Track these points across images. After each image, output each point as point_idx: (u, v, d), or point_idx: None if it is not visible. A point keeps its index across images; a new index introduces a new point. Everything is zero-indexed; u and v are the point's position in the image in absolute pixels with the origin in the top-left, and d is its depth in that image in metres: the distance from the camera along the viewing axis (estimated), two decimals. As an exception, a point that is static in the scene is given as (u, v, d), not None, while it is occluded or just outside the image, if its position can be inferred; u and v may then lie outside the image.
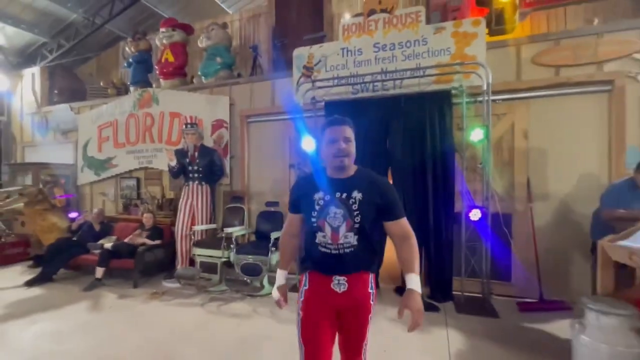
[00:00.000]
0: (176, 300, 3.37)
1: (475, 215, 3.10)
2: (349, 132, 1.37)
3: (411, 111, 3.38)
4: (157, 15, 6.29)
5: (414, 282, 1.29)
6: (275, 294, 1.53)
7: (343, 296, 1.37)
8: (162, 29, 5.12)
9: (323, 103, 3.80)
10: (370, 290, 1.41)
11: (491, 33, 3.51)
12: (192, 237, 3.94)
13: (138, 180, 5.25)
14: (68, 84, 6.27)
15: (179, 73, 5.14)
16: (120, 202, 5.32)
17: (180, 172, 4.08)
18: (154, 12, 6.31)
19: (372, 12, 3.88)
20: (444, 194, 3.27)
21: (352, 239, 1.34)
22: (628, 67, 2.99)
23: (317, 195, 1.38)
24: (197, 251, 3.67)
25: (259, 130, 4.52)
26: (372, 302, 1.41)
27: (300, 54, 4.09)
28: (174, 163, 3.94)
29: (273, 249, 3.42)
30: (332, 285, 1.37)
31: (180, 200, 4.14)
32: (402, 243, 1.37)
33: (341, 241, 1.34)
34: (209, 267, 3.60)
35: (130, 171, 5.25)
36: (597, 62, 3.05)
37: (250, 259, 3.44)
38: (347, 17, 4.99)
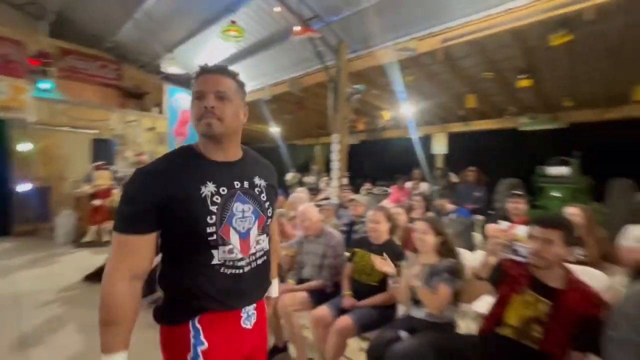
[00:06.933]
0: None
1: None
2: (229, 84, 0.90)
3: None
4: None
5: (274, 288, 1.21)
6: None
7: (254, 333, 0.98)
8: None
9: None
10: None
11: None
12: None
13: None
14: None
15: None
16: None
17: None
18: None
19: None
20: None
21: (264, 243, 0.99)
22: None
23: (207, 190, 0.87)
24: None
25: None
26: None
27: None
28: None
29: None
30: (241, 323, 0.95)
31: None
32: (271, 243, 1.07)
33: (253, 250, 0.94)
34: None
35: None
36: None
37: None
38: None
